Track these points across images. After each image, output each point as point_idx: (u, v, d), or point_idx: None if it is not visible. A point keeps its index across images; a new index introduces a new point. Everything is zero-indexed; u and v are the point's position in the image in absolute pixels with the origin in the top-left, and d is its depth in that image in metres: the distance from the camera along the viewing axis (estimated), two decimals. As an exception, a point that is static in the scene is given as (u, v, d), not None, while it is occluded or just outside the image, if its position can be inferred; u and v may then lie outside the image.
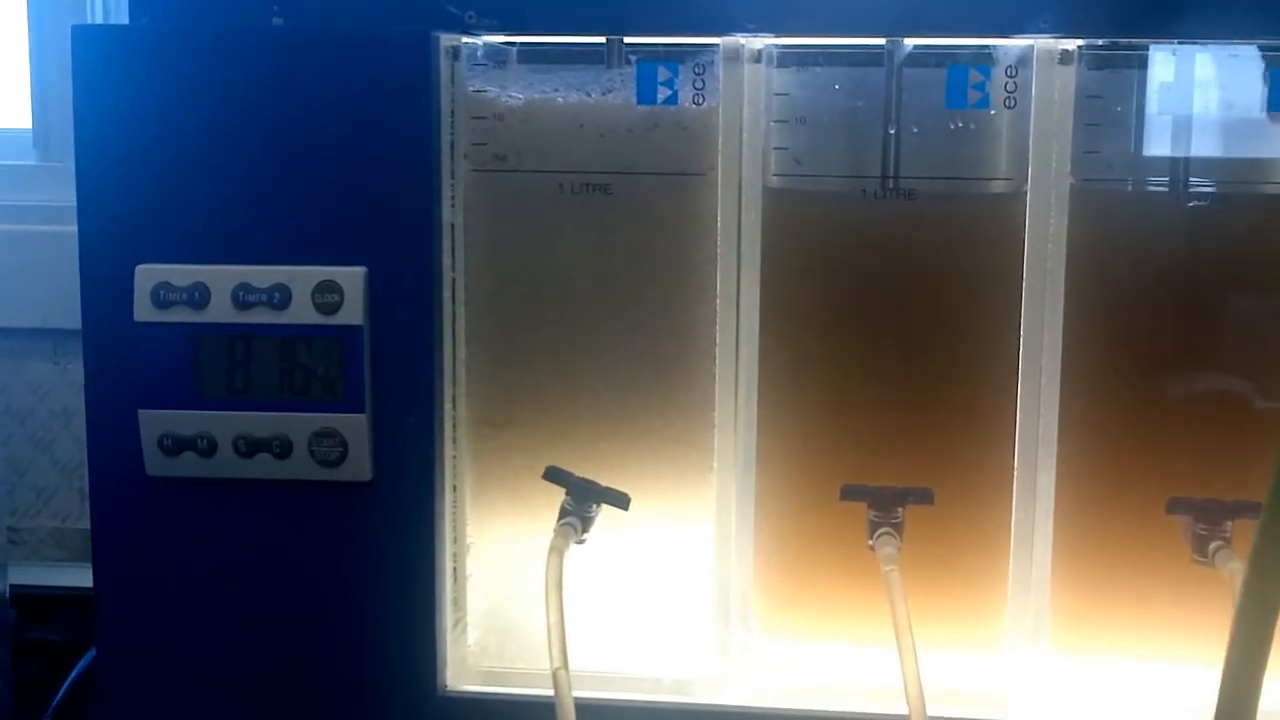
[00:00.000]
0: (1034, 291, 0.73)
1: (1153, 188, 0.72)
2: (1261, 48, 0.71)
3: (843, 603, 0.77)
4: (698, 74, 0.74)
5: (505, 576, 0.79)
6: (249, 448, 0.74)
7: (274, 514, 0.76)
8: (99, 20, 1.13)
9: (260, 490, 0.75)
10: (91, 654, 0.89)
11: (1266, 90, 0.71)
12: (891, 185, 0.74)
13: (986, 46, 0.72)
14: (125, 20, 1.12)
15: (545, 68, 0.75)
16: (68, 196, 1.07)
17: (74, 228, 1.02)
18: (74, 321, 1.07)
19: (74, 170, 1.08)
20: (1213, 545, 0.70)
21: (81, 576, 1.07)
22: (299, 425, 0.74)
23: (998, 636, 0.76)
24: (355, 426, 0.74)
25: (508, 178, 0.76)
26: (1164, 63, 0.72)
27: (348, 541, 0.75)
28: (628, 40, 0.74)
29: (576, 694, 0.68)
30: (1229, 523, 0.71)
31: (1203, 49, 0.71)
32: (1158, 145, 0.72)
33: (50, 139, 1.14)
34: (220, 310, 0.74)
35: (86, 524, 1.12)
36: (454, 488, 0.77)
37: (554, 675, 0.68)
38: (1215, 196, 0.72)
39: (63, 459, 1.14)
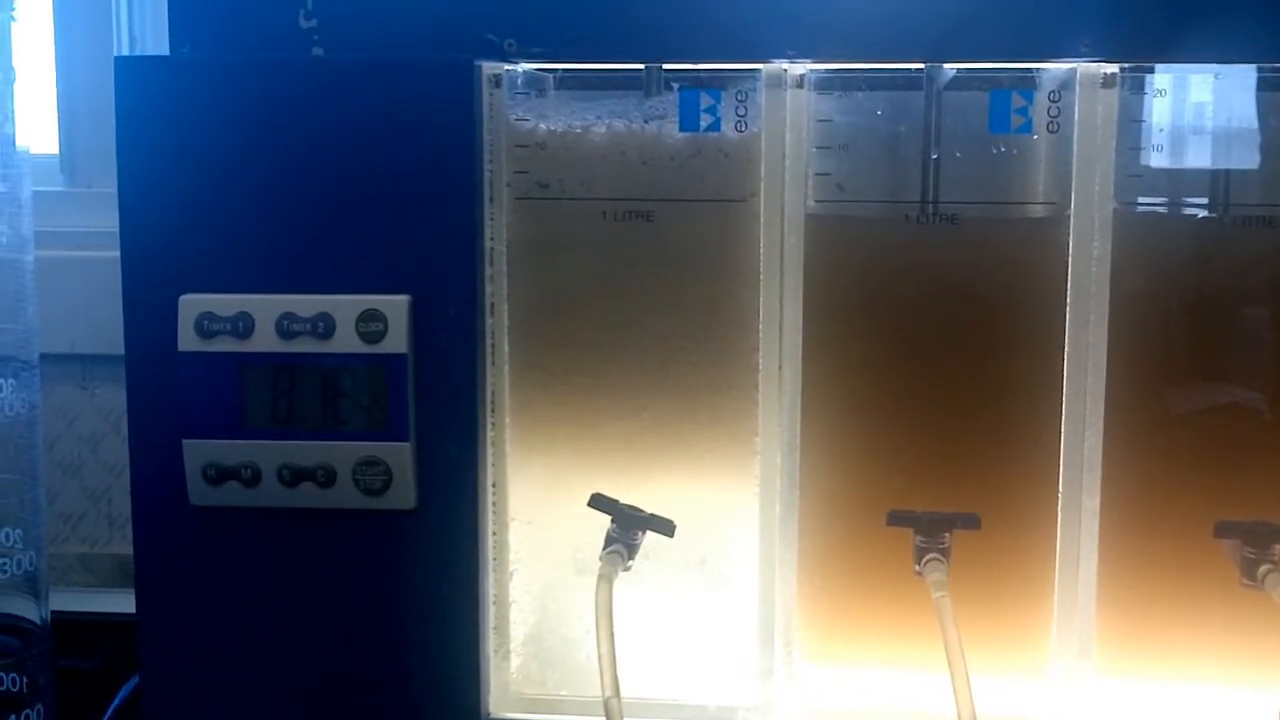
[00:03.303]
0: (1078, 315, 0.73)
1: (1196, 211, 0.72)
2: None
3: (886, 628, 0.77)
4: (740, 100, 0.74)
5: (548, 604, 0.79)
6: (293, 476, 0.74)
7: (318, 542, 0.76)
8: (125, 47, 1.14)
9: (304, 519, 0.75)
10: (133, 682, 0.89)
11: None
12: (933, 210, 0.74)
13: (1029, 70, 0.72)
14: (149, 48, 1.14)
15: (587, 95, 0.75)
16: (95, 222, 1.09)
17: (101, 253, 1.03)
18: (102, 347, 1.08)
19: (101, 196, 1.09)
20: (1262, 569, 0.70)
21: (111, 602, 1.07)
22: (343, 454, 0.74)
23: (1043, 661, 0.76)
24: (399, 455, 0.74)
25: (550, 205, 0.76)
26: (1205, 85, 0.72)
27: (392, 569, 0.75)
28: (671, 68, 0.74)
29: (622, 721, 0.68)
30: (1278, 545, 0.71)
31: (1243, 72, 0.71)
32: (1200, 168, 0.72)
33: (77, 164, 1.15)
34: (264, 340, 0.74)
35: (115, 549, 1.13)
36: (497, 515, 0.77)
37: (606, 704, 0.68)
38: (1259, 219, 0.72)
39: (91, 484, 1.14)
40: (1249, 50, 0.71)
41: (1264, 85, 0.72)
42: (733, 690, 0.78)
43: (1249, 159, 0.72)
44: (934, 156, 0.73)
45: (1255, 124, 0.72)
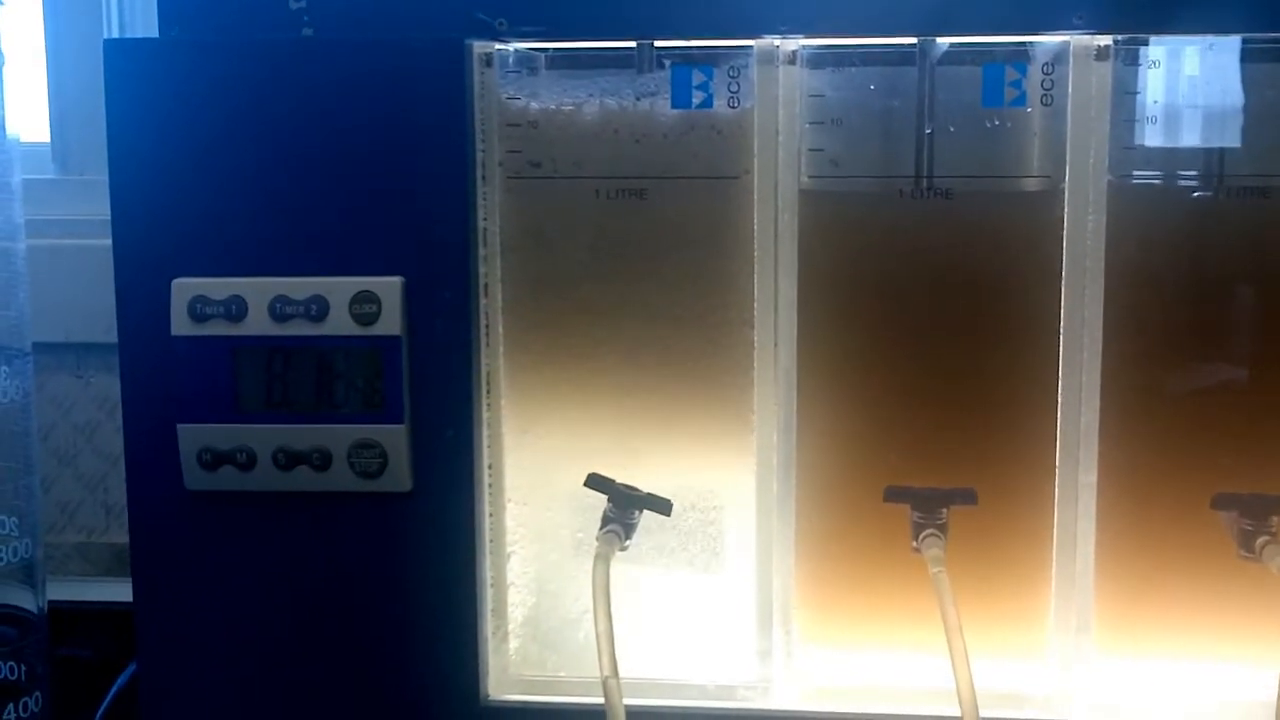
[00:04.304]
0: (1073, 289, 0.73)
1: (1191, 183, 0.72)
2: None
3: (884, 605, 0.77)
4: (732, 77, 0.74)
5: (546, 585, 0.79)
6: (288, 460, 0.74)
7: (314, 526, 0.75)
8: (115, 32, 1.13)
9: (300, 502, 0.75)
10: (131, 669, 0.89)
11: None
12: (927, 185, 0.73)
13: (1022, 43, 0.72)
14: (139, 33, 1.13)
15: (578, 73, 0.75)
16: (88, 210, 1.09)
17: (95, 241, 1.02)
18: (96, 335, 1.08)
19: (93, 183, 1.09)
20: (1260, 540, 0.70)
21: (108, 590, 1.07)
22: (338, 437, 0.74)
23: (1042, 636, 0.76)
24: (394, 437, 0.74)
25: (543, 184, 0.75)
26: (1198, 57, 0.72)
27: (389, 552, 0.75)
28: (662, 44, 0.74)
29: (619, 701, 0.68)
30: (1275, 517, 0.71)
31: (1237, 42, 0.71)
32: (1195, 140, 0.72)
33: (69, 153, 1.14)
34: (258, 323, 0.74)
35: (112, 538, 1.13)
36: (493, 496, 0.77)
37: (604, 683, 0.68)
38: (1254, 190, 0.72)
39: (87, 473, 1.13)
40: (1242, 21, 0.71)
41: (1257, 56, 0.71)
42: (731, 669, 0.78)
43: (1243, 130, 0.72)
44: (928, 131, 0.73)
45: (1249, 95, 0.72)
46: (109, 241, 0.76)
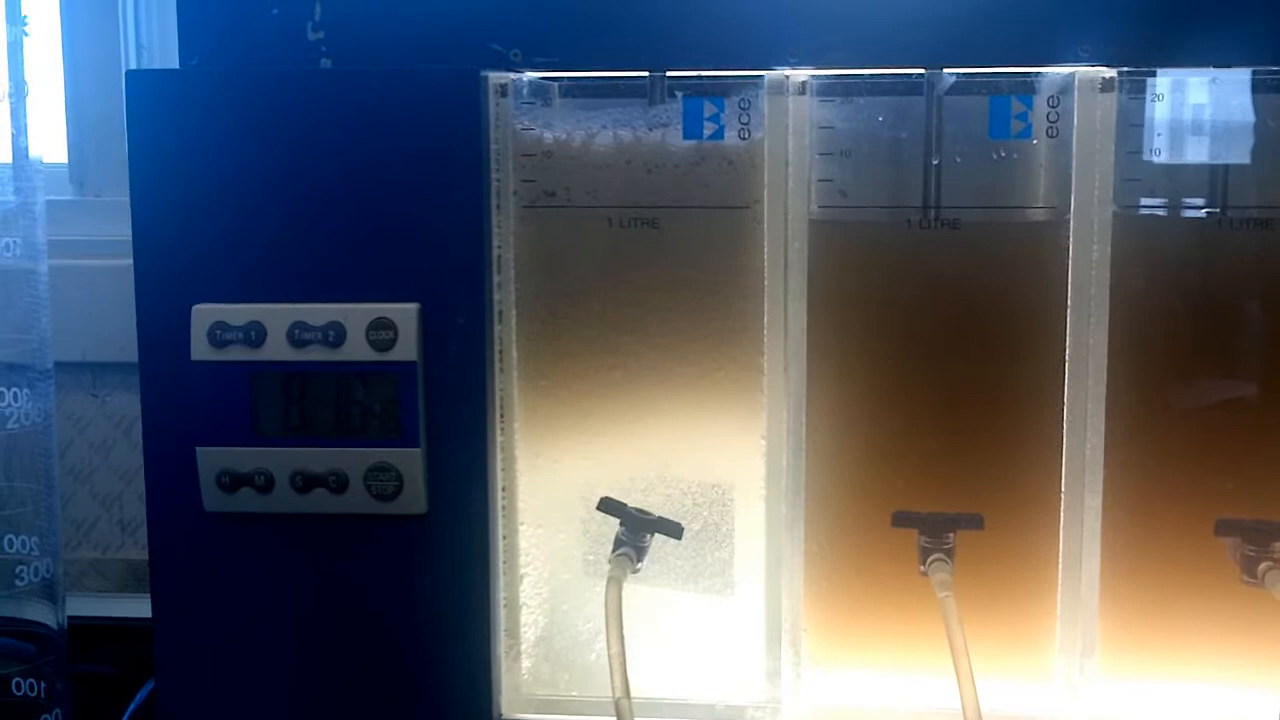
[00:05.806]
0: (1078, 317, 0.74)
1: (1195, 213, 0.73)
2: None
3: (892, 628, 0.78)
4: (743, 109, 0.75)
5: (559, 606, 0.80)
6: (306, 483, 0.75)
7: (331, 547, 0.77)
8: (132, 56, 1.14)
9: (317, 524, 0.76)
10: (149, 686, 0.90)
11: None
12: (935, 215, 0.75)
13: (1028, 75, 0.73)
14: (156, 56, 1.15)
15: (592, 104, 0.76)
16: (104, 231, 1.10)
17: (111, 261, 1.03)
18: (112, 355, 1.09)
19: (109, 204, 1.10)
20: (1262, 566, 0.71)
21: (123, 606, 1.08)
22: (355, 460, 0.75)
23: (1048, 659, 0.76)
24: (410, 461, 0.75)
25: (557, 213, 0.77)
26: (1202, 89, 0.73)
27: (404, 573, 0.76)
28: (674, 75, 0.75)
29: (631, 721, 0.69)
30: (1277, 543, 0.72)
31: (1241, 75, 0.72)
32: (1198, 171, 0.73)
33: (86, 174, 1.16)
34: (276, 349, 0.75)
35: (127, 554, 1.14)
36: (507, 519, 0.78)
37: (616, 705, 0.69)
38: (1256, 221, 0.73)
39: (102, 490, 1.14)
40: (1246, 53, 0.72)
41: (1261, 88, 0.72)
42: (741, 690, 0.79)
43: (1246, 161, 0.73)
44: (935, 162, 0.74)
45: (1252, 127, 0.73)
46: (124, 262, 0.77)
